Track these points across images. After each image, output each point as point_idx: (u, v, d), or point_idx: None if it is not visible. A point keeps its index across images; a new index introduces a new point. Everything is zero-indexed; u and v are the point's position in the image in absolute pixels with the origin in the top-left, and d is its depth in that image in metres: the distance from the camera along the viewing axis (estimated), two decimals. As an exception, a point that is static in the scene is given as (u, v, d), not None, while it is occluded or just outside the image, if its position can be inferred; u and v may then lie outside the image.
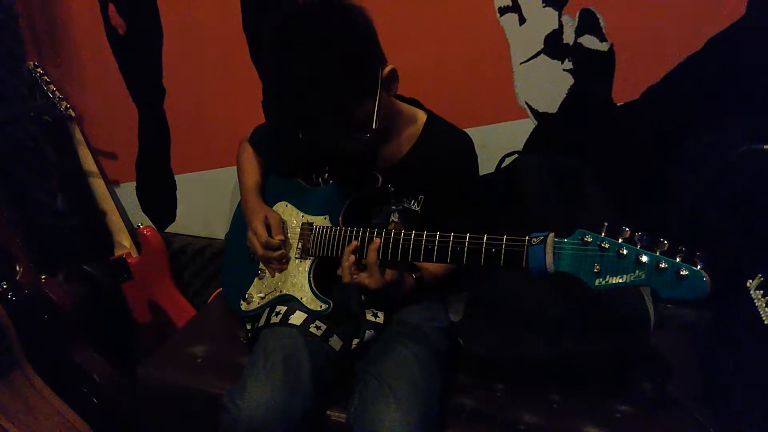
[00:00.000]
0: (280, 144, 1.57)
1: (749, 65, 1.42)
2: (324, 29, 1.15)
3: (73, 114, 2.05)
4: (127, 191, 2.23)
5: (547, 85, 1.59)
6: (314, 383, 1.26)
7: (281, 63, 1.16)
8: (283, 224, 1.47)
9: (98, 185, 2.13)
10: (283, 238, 1.44)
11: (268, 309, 1.44)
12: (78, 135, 2.09)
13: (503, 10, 1.56)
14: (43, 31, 2.04)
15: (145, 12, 1.89)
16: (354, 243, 1.27)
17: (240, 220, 1.56)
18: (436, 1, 1.59)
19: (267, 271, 1.49)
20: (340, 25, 1.16)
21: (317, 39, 1.13)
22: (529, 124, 1.65)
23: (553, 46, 1.55)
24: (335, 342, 1.37)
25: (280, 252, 1.43)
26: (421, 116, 1.43)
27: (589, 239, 0.96)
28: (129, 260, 2.13)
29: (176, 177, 2.15)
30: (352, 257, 1.26)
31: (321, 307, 1.37)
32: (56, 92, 2.02)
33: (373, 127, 1.20)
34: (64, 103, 2.03)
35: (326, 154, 1.44)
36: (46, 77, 2.02)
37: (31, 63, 2.01)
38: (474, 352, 1.45)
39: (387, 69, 1.23)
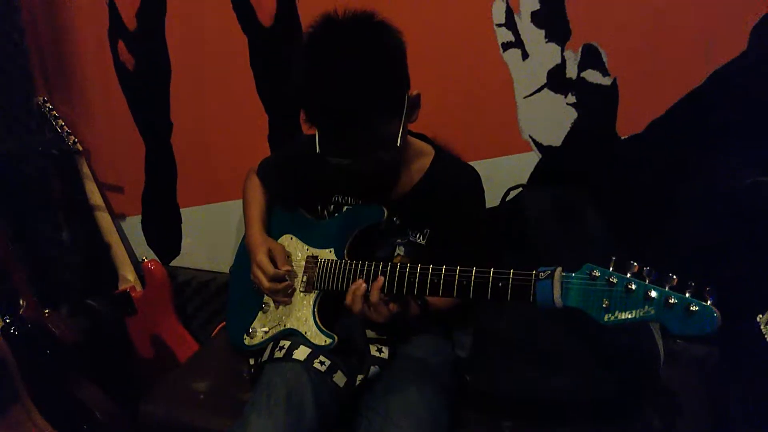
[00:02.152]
0: (286, 176, 1.57)
1: (751, 99, 1.43)
2: (361, 41, 1.16)
3: (80, 148, 2.07)
4: (133, 224, 2.24)
5: (551, 118, 1.59)
6: (318, 419, 1.24)
7: (316, 68, 1.16)
8: (288, 257, 1.47)
9: (104, 218, 2.13)
10: (289, 268, 1.43)
11: (271, 343, 1.42)
12: (85, 169, 2.10)
13: (506, 46, 1.58)
14: (53, 66, 2.08)
15: (154, 48, 1.93)
16: (360, 281, 1.26)
17: (245, 254, 1.55)
18: (441, 36, 1.61)
19: (271, 305, 1.48)
20: (377, 39, 1.17)
21: (354, 50, 1.14)
22: (533, 158, 1.65)
23: (557, 80, 1.56)
24: (339, 378, 1.35)
25: (286, 283, 1.42)
26: (429, 151, 1.44)
27: (597, 274, 0.95)
28: (133, 294, 2.12)
29: (182, 210, 2.15)
30: (359, 294, 1.25)
31: (325, 341, 1.35)
32: (64, 126, 2.04)
33: (398, 144, 1.20)
34: (72, 137, 2.05)
35: (336, 183, 1.45)
36: (54, 112, 2.04)
37: (41, 98, 2.04)
38: (480, 388, 1.43)
39: (414, 92, 1.25)
